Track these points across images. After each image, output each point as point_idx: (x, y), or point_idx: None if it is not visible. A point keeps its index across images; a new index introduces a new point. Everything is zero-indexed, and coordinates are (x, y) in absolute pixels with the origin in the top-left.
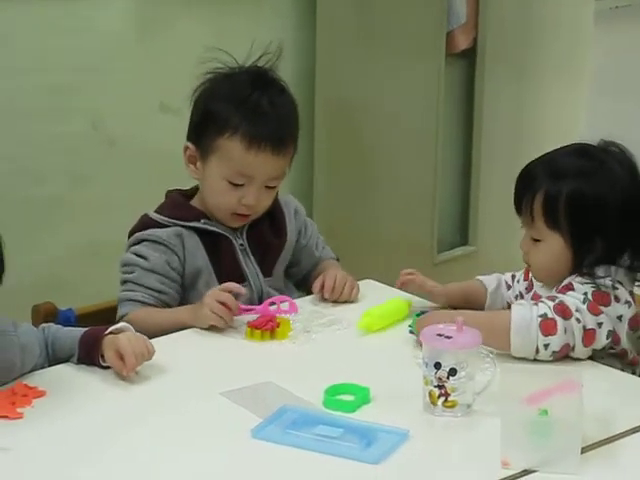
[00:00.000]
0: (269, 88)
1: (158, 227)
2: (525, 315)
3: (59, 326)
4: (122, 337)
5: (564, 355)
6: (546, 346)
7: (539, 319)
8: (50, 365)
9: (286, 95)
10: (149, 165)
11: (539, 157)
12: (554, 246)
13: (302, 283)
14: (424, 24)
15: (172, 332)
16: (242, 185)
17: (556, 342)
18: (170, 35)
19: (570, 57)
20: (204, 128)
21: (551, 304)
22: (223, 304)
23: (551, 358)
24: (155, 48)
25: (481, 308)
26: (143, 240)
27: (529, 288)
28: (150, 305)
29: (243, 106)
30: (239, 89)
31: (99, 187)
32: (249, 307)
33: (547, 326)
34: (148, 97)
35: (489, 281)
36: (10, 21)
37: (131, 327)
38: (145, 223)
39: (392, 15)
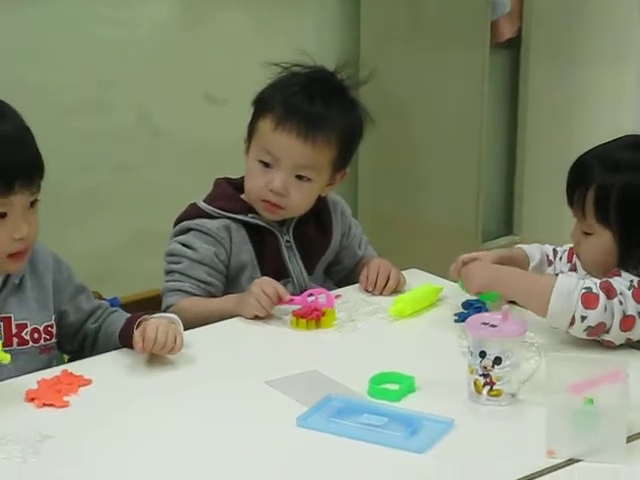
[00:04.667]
0: (321, 86)
1: (206, 217)
2: (571, 283)
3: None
4: (153, 321)
5: (597, 335)
6: (583, 318)
7: (583, 290)
8: (100, 348)
9: (336, 100)
10: (193, 156)
11: (591, 149)
12: (604, 241)
13: (344, 282)
14: (468, 13)
15: (217, 321)
16: (271, 168)
17: (593, 317)
18: (214, 27)
19: (618, 46)
20: (253, 114)
21: (597, 281)
22: (268, 295)
23: (584, 334)
24: (199, 40)
25: None
26: (190, 229)
27: (572, 270)
28: (196, 296)
29: (283, 92)
30: (291, 80)
31: (145, 178)
32: (289, 297)
33: (589, 299)
34: (193, 88)
35: (532, 253)
36: (58, 14)
37: (178, 319)
38: (193, 212)
39: (436, 5)
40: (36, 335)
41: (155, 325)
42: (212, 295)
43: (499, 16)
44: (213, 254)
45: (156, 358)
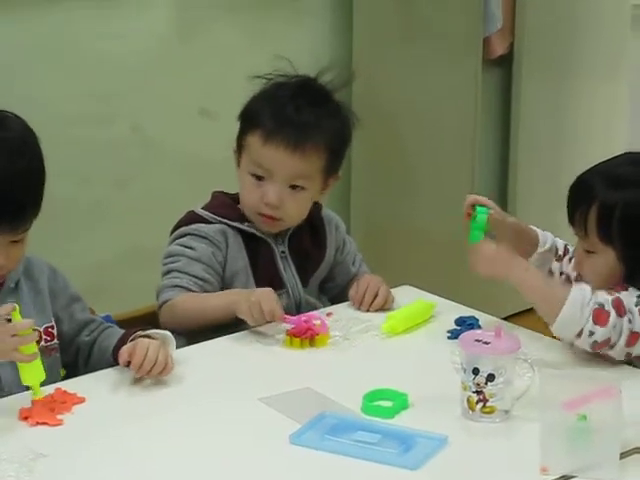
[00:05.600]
0: (306, 97)
1: (203, 223)
2: (585, 296)
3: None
4: (145, 340)
5: (600, 349)
6: (591, 333)
7: (595, 306)
8: (94, 362)
9: (325, 108)
10: (188, 169)
11: (592, 167)
12: (607, 259)
13: (338, 299)
14: (460, 30)
15: (214, 317)
16: (264, 180)
17: (601, 333)
18: (210, 40)
19: (609, 61)
20: (240, 128)
21: (610, 298)
22: (263, 312)
23: (589, 349)
24: (194, 53)
25: (524, 257)
26: (188, 234)
27: (578, 280)
28: (193, 292)
29: (271, 106)
30: (277, 92)
31: (139, 190)
32: (284, 317)
33: (600, 316)
34: (187, 102)
35: (544, 239)
36: (54, 27)
37: (171, 336)
38: (191, 218)
39: (428, 21)
40: None
41: (146, 344)
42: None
43: (491, 33)
44: (211, 253)
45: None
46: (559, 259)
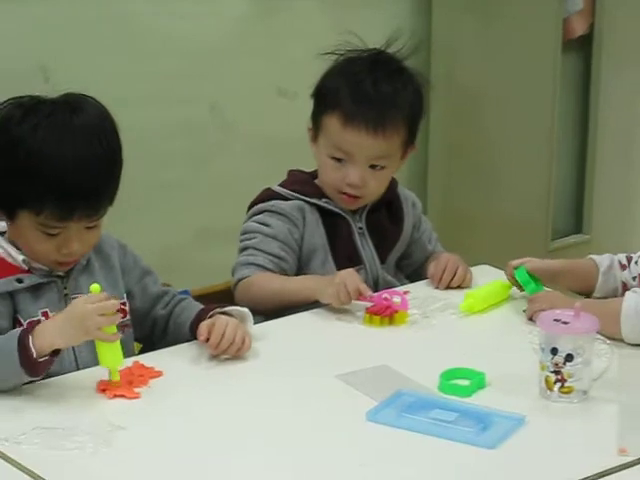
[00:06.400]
0: (382, 71)
1: (280, 199)
2: (638, 302)
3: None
4: (223, 318)
5: None
6: None
7: None
8: (170, 336)
9: (401, 81)
10: (266, 150)
11: None
12: None
13: (414, 276)
14: (540, 10)
15: (289, 301)
16: (345, 162)
17: None
18: (288, 19)
19: None
20: (316, 106)
21: None
22: (349, 292)
23: None
24: (273, 33)
25: (591, 288)
26: (265, 211)
27: None
28: (269, 270)
29: (348, 85)
30: (352, 69)
31: (217, 171)
32: (369, 295)
33: None
34: (266, 81)
35: (600, 260)
36: (132, 6)
37: (249, 313)
38: (268, 195)
39: (508, 1)
40: None
41: (224, 322)
42: (284, 271)
43: (571, 13)
44: (287, 231)
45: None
46: (624, 268)
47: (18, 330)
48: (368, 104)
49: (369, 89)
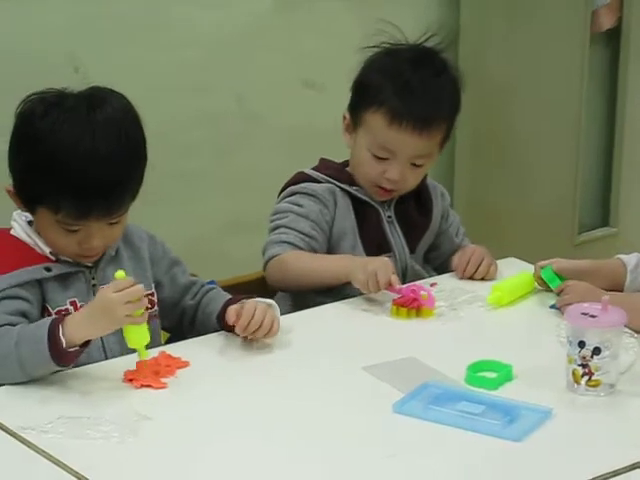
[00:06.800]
0: (427, 67)
1: (313, 182)
2: None
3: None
4: (251, 302)
5: None
6: None
7: None
8: (198, 326)
9: (445, 77)
10: (291, 142)
11: None
12: None
13: (441, 270)
14: (568, 3)
15: (321, 279)
16: (386, 159)
17: None
18: (313, 10)
19: None
20: (357, 99)
21: None
22: (379, 282)
23: None
24: (298, 23)
25: (620, 287)
26: (297, 193)
27: None
28: (300, 249)
29: (393, 81)
30: (396, 64)
31: (242, 162)
32: (398, 287)
33: None
34: (291, 73)
35: (628, 259)
36: None
37: (275, 304)
38: (300, 178)
39: None
40: None
41: (253, 305)
42: (314, 251)
43: (599, 6)
44: (318, 211)
45: (253, 341)
46: None
47: (48, 319)
48: (415, 104)
49: (416, 88)
